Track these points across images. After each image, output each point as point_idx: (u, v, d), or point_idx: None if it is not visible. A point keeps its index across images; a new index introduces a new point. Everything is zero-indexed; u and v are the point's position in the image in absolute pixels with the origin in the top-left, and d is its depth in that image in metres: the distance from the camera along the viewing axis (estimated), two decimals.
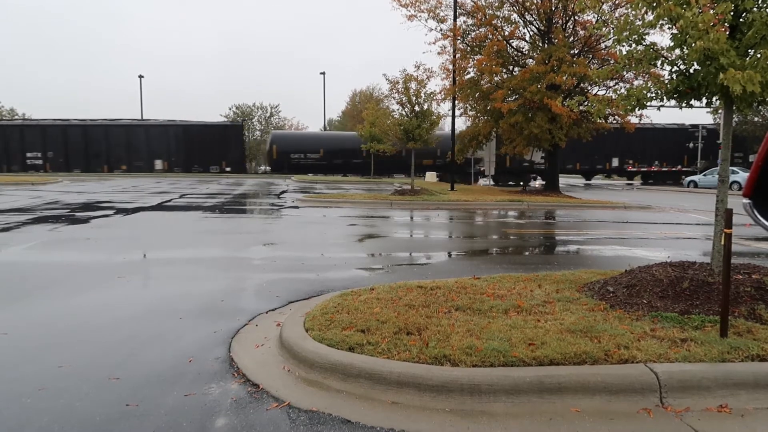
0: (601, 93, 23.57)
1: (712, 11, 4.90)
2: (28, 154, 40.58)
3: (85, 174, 39.34)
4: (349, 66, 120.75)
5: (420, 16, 25.08)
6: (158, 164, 41.17)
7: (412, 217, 15.71)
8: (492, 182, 35.81)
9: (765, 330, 4.35)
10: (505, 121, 23.23)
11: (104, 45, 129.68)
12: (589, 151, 38.65)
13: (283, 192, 24.63)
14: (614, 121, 24.18)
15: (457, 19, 24.36)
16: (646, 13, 5.48)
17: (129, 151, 41.01)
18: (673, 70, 5.60)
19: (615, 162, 41.40)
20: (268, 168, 44.30)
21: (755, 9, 4.89)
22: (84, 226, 12.09)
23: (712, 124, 42.77)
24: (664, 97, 5.68)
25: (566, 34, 23.76)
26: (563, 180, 38.68)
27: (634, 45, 5.66)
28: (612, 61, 21.58)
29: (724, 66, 4.82)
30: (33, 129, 41.31)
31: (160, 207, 17.12)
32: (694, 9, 4.82)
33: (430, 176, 37.54)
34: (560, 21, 24.54)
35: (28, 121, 42.78)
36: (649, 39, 5.59)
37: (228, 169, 41.43)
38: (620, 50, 5.88)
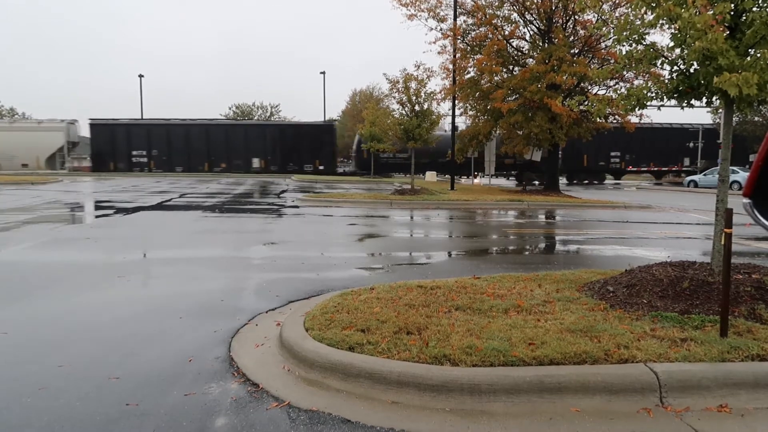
0: (601, 93, 23.59)
1: (711, 11, 4.90)
2: (134, 153, 41.21)
3: (186, 173, 40.24)
4: (349, 66, 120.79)
5: (420, 16, 25.10)
6: (256, 163, 41.60)
7: (412, 217, 15.71)
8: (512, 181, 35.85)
9: (765, 330, 4.35)
10: (505, 120, 23.23)
11: (104, 45, 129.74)
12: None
13: (283, 191, 24.63)
14: (614, 121, 24.17)
15: (457, 19, 24.36)
16: (646, 12, 5.48)
17: (228, 150, 41.43)
18: (673, 69, 5.60)
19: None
20: (350, 168, 44.36)
21: (755, 9, 4.89)
22: (84, 226, 12.09)
23: (711, 124, 42.76)
24: (664, 97, 5.67)
25: (566, 34, 23.75)
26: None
27: (634, 45, 5.65)
28: (612, 61, 21.57)
29: (723, 67, 4.82)
30: (139, 128, 41.92)
31: (159, 207, 17.12)
32: (691, 10, 4.81)
33: (430, 176, 37.55)
34: (560, 20, 24.53)
35: (134, 121, 43.45)
36: (649, 39, 5.60)
37: (321, 167, 41.74)
38: (620, 50, 5.88)
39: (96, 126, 41.61)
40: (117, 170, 40.66)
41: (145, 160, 41.40)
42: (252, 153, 41.65)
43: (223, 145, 41.48)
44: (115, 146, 41.20)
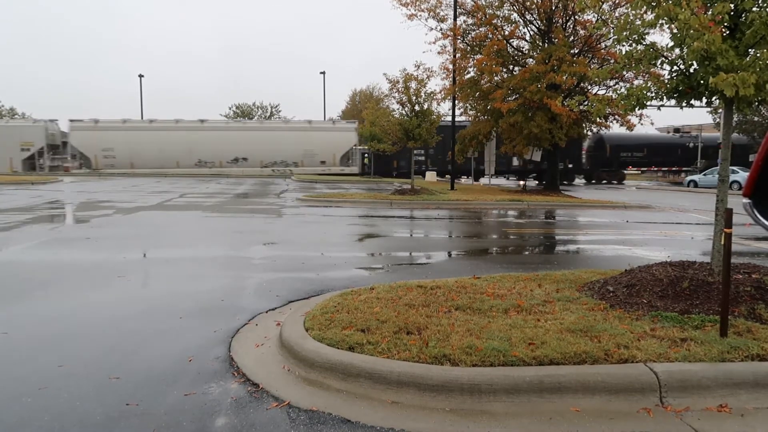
0: (601, 93, 23.59)
1: (709, 12, 4.89)
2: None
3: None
4: (349, 66, 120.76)
5: (420, 16, 25.11)
6: (515, 161, 41.01)
7: (412, 217, 15.71)
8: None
9: (765, 330, 4.35)
10: (504, 120, 23.23)
11: (104, 44, 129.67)
12: None
13: (283, 191, 24.64)
14: (614, 121, 24.19)
15: (457, 19, 24.36)
16: (645, 12, 5.48)
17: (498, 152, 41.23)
18: (672, 69, 5.60)
19: None
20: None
21: (755, 9, 4.89)
22: (84, 226, 12.09)
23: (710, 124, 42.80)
24: (664, 97, 5.68)
25: (566, 34, 23.76)
26: None
27: (634, 45, 5.66)
28: (612, 61, 21.57)
29: (722, 67, 4.82)
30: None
31: (159, 206, 17.13)
32: (686, 11, 4.81)
33: (430, 176, 37.53)
34: (560, 20, 24.53)
35: None
36: (649, 39, 5.60)
37: (570, 166, 41.37)
38: (620, 50, 5.88)
39: None
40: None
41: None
42: None
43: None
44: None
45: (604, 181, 41.95)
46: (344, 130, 42.90)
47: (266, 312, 5.59)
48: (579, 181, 42.03)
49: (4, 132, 40.50)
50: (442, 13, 25.08)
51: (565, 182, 39.79)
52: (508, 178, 43.29)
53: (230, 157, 41.54)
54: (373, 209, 17.41)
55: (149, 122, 43.56)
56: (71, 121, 41.13)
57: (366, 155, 38.94)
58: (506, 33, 24.35)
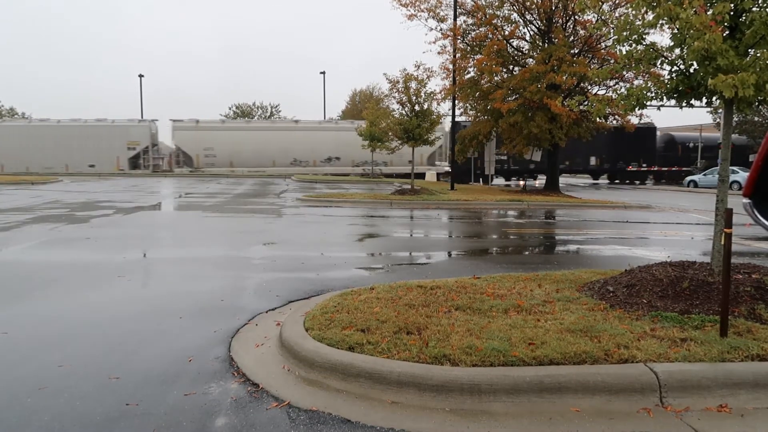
0: (601, 93, 23.58)
1: (710, 12, 4.89)
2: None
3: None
4: (349, 66, 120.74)
5: (420, 16, 25.10)
6: (592, 161, 41.38)
7: (412, 217, 15.71)
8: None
9: (765, 330, 4.35)
10: (504, 120, 23.22)
11: (104, 45, 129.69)
12: None
13: (283, 191, 24.63)
14: (614, 121, 24.18)
15: (457, 19, 24.36)
16: (646, 12, 5.48)
17: (574, 150, 40.97)
18: (673, 69, 5.60)
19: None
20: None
21: (755, 9, 4.89)
22: (84, 226, 12.09)
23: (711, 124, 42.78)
24: (664, 97, 5.67)
25: (566, 34, 23.75)
26: None
27: (634, 45, 5.65)
28: (612, 61, 21.57)
29: (722, 67, 4.82)
30: None
31: (159, 206, 17.12)
32: (689, 10, 4.81)
33: (430, 176, 37.57)
34: (560, 20, 24.52)
35: None
36: (649, 39, 5.60)
37: (644, 165, 41.42)
38: (620, 50, 5.88)
39: None
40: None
41: None
42: (591, 152, 40.60)
43: (569, 143, 40.80)
44: None
45: (627, 181, 42.19)
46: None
47: (266, 312, 5.59)
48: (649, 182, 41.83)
49: (113, 132, 41.14)
50: (442, 14, 25.10)
51: (636, 182, 40.32)
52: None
53: (324, 157, 42.05)
54: (373, 209, 17.41)
55: (246, 122, 45.20)
56: (173, 121, 41.64)
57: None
58: (506, 33, 24.34)
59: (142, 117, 48.65)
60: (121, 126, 41.76)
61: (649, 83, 5.71)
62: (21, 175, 36.41)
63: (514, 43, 25.45)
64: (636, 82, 21.30)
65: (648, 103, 5.68)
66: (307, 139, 41.95)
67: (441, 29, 25.27)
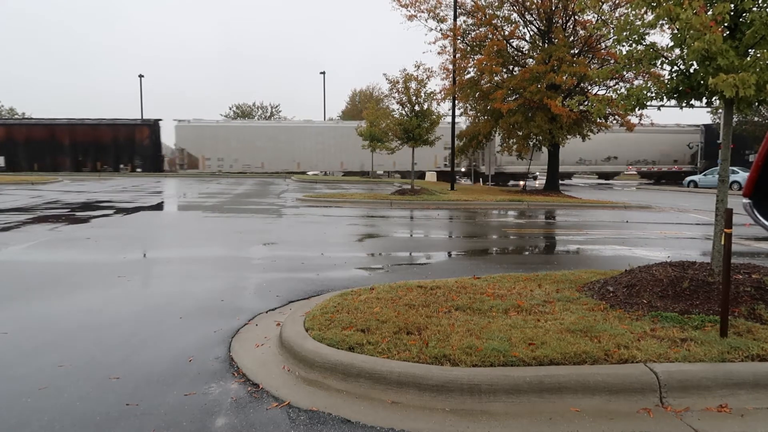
0: (601, 93, 23.58)
1: (710, 12, 4.89)
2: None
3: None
4: (349, 66, 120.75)
5: (420, 16, 25.08)
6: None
7: (412, 217, 15.71)
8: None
9: (765, 330, 4.35)
10: (504, 120, 23.23)
11: (104, 46, 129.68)
12: None
13: (283, 192, 24.63)
14: (614, 121, 24.18)
15: (457, 19, 24.36)
16: (646, 13, 5.48)
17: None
18: (673, 69, 5.59)
19: None
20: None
21: (755, 9, 4.89)
22: (84, 226, 12.09)
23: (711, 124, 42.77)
24: (664, 97, 5.67)
25: (566, 34, 23.75)
26: None
27: (634, 45, 5.65)
28: (612, 61, 21.57)
29: (722, 67, 4.82)
30: None
31: (159, 207, 17.13)
32: (689, 11, 4.81)
33: (430, 176, 37.57)
34: (560, 21, 24.52)
35: None
36: (649, 39, 5.60)
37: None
38: (620, 50, 5.88)
39: None
40: None
41: None
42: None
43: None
44: None
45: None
46: (688, 132, 42.62)
47: (266, 312, 5.59)
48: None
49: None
50: (441, 14, 25.08)
51: None
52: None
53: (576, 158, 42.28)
54: (373, 209, 17.41)
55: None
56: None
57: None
58: (506, 33, 24.34)
59: (142, 117, 48.71)
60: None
61: (649, 83, 5.70)
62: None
63: (514, 44, 25.48)
64: (636, 82, 21.28)
65: (648, 103, 5.68)
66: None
67: (441, 29, 25.29)
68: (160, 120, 43.77)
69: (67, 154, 41.98)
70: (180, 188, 26.38)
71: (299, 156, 40.67)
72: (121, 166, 42.48)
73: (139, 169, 42.34)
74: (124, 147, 42.49)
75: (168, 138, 44.82)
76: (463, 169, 40.04)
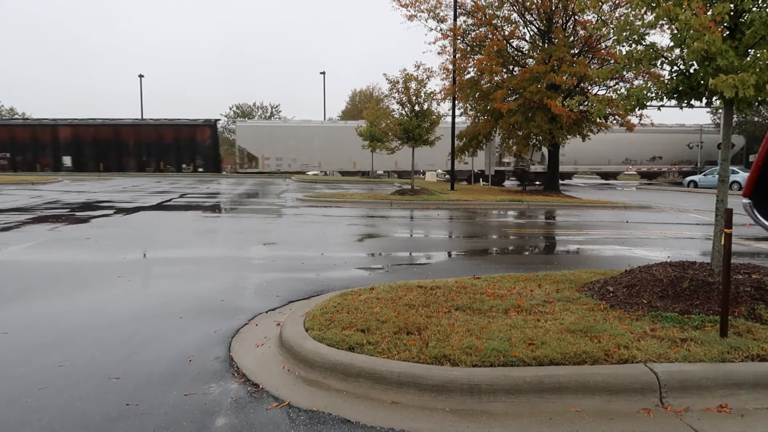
0: (601, 93, 23.58)
1: (709, 12, 4.89)
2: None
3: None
4: (349, 66, 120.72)
5: (420, 16, 25.09)
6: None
7: (412, 217, 15.72)
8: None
9: (765, 330, 4.35)
10: (504, 120, 23.23)
11: (104, 46, 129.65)
12: None
13: (283, 192, 24.64)
14: (614, 121, 24.19)
15: (457, 19, 24.36)
16: (645, 13, 5.48)
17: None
18: (673, 70, 5.60)
19: None
20: None
21: (754, 9, 4.89)
22: (84, 226, 12.09)
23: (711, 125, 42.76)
24: (664, 97, 5.67)
25: (566, 34, 23.75)
26: None
27: (634, 45, 5.65)
28: (612, 61, 21.57)
29: (722, 67, 4.82)
30: None
31: (159, 207, 17.13)
32: (687, 12, 4.81)
33: (431, 176, 37.58)
34: (560, 21, 24.53)
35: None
36: (649, 39, 5.60)
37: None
38: (620, 50, 5.88)
39: None
40: None
41: None
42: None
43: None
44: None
45: None
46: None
47: (266, 312, 5.59)
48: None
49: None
50: (441, 14, 25.09)
51: None
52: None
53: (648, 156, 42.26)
54: (373, 209, 17.41)
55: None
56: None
57: None
58: (506, 33, 24.35)
59: (142, 117, 48.79)
60: None
61: (649, 83, 5.71)
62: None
63: (514, 44, 25.48)
64: (636, 83, 21.30)
65: (648, 103, 5.68)
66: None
67: (441, 29, 25.30)
68: (218, 120, 44.13)
69: (132, 154, 42.44)
70: (179, 188, 26.36)
71: (356, 156, 40.75)
72: (183, 165, 42.85)
73: (200, 169, 42.63)
74: (185, 147, 42.96)
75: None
76: (511, 169, 40.05)
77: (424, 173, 40.91)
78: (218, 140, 44.82)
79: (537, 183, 35.22)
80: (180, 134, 42.96)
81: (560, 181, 38.31)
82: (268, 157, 41.42)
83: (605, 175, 45.90)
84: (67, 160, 41.95)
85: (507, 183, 38.93)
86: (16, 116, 56.98)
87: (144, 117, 44.88)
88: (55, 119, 43.78)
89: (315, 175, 41.37)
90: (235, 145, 43.54)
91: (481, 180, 36.15)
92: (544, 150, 38.80)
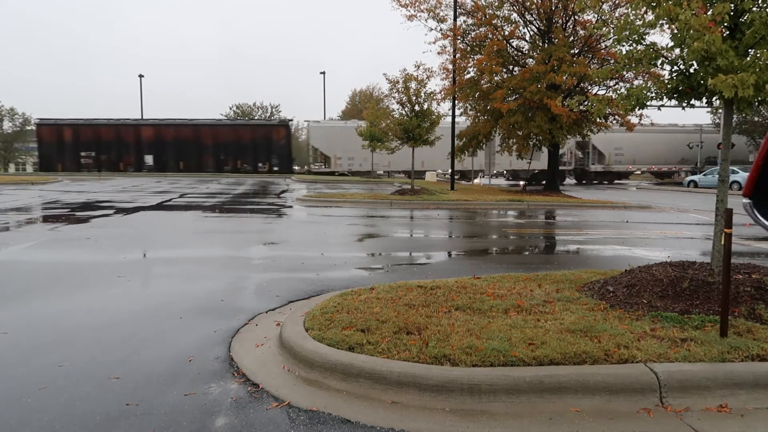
0: (601, 93, 23.57)
1: (709, 12, 4.89)
2: None
3: None
4: (349, 66, 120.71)
5: (420, 16, 25.10)
6: None
7: (412, 217, 15.72)
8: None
9: (765, 330, 4.35)
10: (504, 120, 23.23)
11: (104, 46, 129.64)
12: None
13: (283, 191, 24.64)
14: (614, 121, 24.19)
15: (457, 19, 24.36)
16: (645, 13, 5.48)
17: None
18: (672, 69, 5.60)
19: None
20: None
21: (755, 9, 4.89)
22: (84, 226, 12.09)
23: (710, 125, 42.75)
24: (664, 97, 5.67)
25: (566, 34, 23.76)
26: None
27: (634, 45, 5.66)
28: (612, 61, 21.58)
29: (722, 67, 4.82)
30: None
31: (159, 206, 17.13)
32: (687, 11, 4.81)
33: (431, 176, 37.57)
34: (560, 20, 24.54)
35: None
36: (649, 39, 5.60)
37: None
38: (620, 50, 5.88)
39: None
40: None
41: None
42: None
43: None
44: None
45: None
46: None
47: (266, 312, 5.59)
48: None
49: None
50: (441, 14, 25.10)
51: None
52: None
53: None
54: (374, 209, 17.41)
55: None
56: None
57: None
58: (506, 33, 24.35)
59: (142, 117, 48.84)
60: None
61: (649, 83, 5.70)
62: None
63: (514, 43, 25.49)
64: (636, 82, 21.31)
65: (648, 103, 5.68)
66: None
67: (441, 29, 25.30)
68: (291, 120, 44.65)
69: (211, 154, 42.76)
70: (179, 187, 26.35)
71: (425, 156, 40.79)
72: (259, 165, 43.13)
73: (276, 168, 42.80)
74: (262, 147, 43.31)
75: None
76: (571, 168, 40.15)
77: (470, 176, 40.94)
78: (291, 140, 45.20)
79: (596, 182, 34.97)
80: (256, 134, 43.44)
81: (617, 180, 38.23)
82: (340, 156, 41.61)
83: (661, 176, 45.16)
84: (149, 159, 42.56)
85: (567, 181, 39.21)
86: (16, 116, 56.84)
87: (222, 118, 46.06)
88: (137, 119, 44.74)
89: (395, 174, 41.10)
90: (308, 144, 43.76)
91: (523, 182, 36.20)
92: (601, 148, 39.04)
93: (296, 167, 47.36)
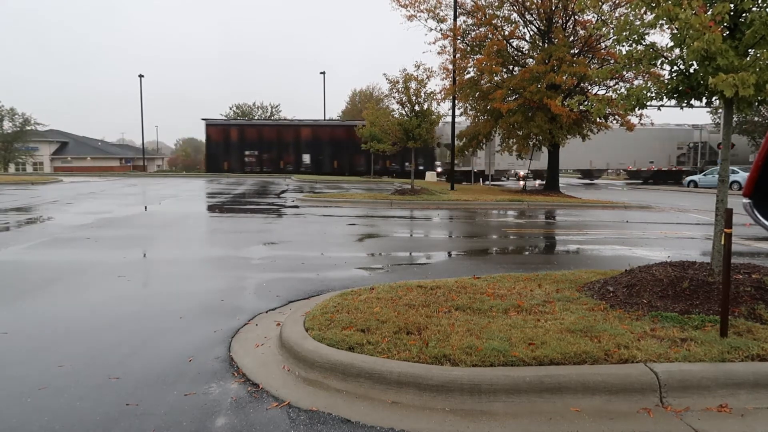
0: (601, 92, 23.57)
1: (709, 12, 4.89)
2: None
3: None
4: (349, 66, 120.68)
5: (420, 16, 25.12)
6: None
7: (412, 217, 15.71)
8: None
9: (765, 330, 4.35)
10: (504, 120, 23.23)
11: (104, 46, 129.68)
12: None
13: (283, 191, 24.63)
14: (614, 121, 24.18)
15: (457, 19, 24.37)
16: (645, 13, 5.48)
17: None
18: (673, 69, 5.60)
19: None
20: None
21: (754, 9, 4.89)
22: (84, 226, 12.08)
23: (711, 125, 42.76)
24: (664, 97, 5.67)
25: (566, 34, 23.76)
26: None
27: (634, 45, 5.65)
28: (612, 61, 21.58)
29: (722, 67, 4.82)
30: None
31: (159, 206, 17.12)
32: (687, 11, 4.81)
33: (431, 176, 37.56)
34: (560, 21, 24.54)
35: None
36: (649, 39, 5.60)
37: None
38: (620, 50, 5.88)
39: None
40: None
41: None
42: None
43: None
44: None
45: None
46: None
47: (266, 312, 5.59)
48: None
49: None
50: (441, 14, 25.12)
51: None
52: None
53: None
54: (373, 209, 17.40)
55: None
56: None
57: None
58: (506, 33, 24.35)
59: (141, 117, 48.90)
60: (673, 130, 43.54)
61: (649, 83, 5.71)
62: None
63: (514, 43, 25.49)
64: (636, 82, 21.34)
65: (648, 103, 5.68)
66: None
67: (441, 29, 25.32)
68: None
69: (362, 154, 42.38)
70: (182, 189, 26.34)
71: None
72: (406, 164, 42.61)
73: (421, 167, 42.11)
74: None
75: None
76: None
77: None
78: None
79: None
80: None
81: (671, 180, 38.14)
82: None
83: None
84: (306, 158, 43.03)
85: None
86: (16, 116, 56.84)
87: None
88: (291, 119, 45.74)
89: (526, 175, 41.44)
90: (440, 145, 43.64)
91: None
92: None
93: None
